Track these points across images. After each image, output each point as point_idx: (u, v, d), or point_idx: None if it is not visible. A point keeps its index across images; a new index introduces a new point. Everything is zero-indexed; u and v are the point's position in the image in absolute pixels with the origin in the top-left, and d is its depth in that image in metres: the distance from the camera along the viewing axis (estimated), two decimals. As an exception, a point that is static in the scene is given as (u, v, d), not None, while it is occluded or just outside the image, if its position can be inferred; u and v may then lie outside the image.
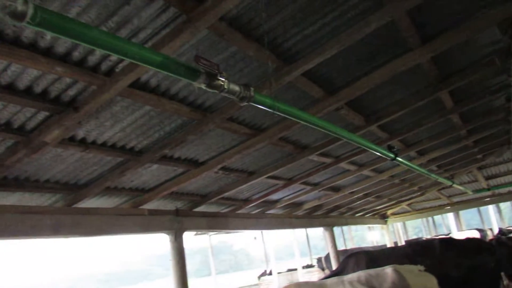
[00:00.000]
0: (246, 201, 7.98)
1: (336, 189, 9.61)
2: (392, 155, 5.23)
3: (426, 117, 6.25)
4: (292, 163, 6.26)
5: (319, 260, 18.47)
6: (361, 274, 4.39)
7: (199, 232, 15.25)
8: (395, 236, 20.43)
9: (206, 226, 7.22)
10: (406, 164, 5.84)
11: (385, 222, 17.43)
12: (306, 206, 10.01)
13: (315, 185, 8.49)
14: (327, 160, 6.92)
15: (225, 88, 2.25)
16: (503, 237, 10.27)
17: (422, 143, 7.45)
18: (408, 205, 16.62)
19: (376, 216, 16.50)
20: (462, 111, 6.45)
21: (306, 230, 23.30)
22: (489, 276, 7.10)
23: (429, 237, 21.20)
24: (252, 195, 7.84)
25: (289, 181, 7.50)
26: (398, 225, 20.23)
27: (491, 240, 10.79)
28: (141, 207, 6.04)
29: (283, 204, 9.01)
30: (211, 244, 18.20)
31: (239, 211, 8.15)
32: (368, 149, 4.86)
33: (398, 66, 4.07)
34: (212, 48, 3.19)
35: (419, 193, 14.50)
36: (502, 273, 8.33)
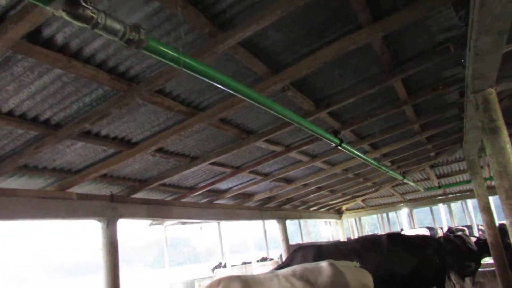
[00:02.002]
0: (192, 189, 7.52)
1: (289, 181, 9.32)
2: (337, 141, 4.93)
3: (380, 108, 6.02)
4: (239, 149, 5.85)
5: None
6: (296, 268, 4.16)
7: (153, 223, 14.67)
8: (350, 231, 20.62)
9: (146, 214, 6.70)
10: (351, 152, 5.59)
11: (340, 217, 17.46)
12: (258, 197, 9.66)
13: (266, 175, 8.14)
14: (277, 148, 6.57)
15: (99, 23, 1.78)
16: (451, 235, 10.39)
17: (375, 136, 7.25)
18: (362, 201, 16.71)
19: (330, 211, 16.47)
20: (416, 104, 6.27)
21: (263, 223, 23.18)
22: (434, 272, 7.07)
23: (380, 233, 21.52)
24: (198, 182, 7.39)
25: (237, 169, 7.10)
26: (353, 220, 20.41)
27: (439, 238, 10.95)
28: (68, 190, 5.46)
29: (232, 194, 8.62)
30: (166, 236, 17.65)
31: (184, 200, 7.68)
32: (310, 131, 4.52)
33: (348, 44, 3.73)
34: (129, 0, 2.71)
35: (373, 189, 14.54)
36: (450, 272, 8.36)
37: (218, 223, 19.63)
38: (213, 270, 19.61)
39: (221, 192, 8.49)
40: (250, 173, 7.53)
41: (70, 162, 5.03)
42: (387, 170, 7.87)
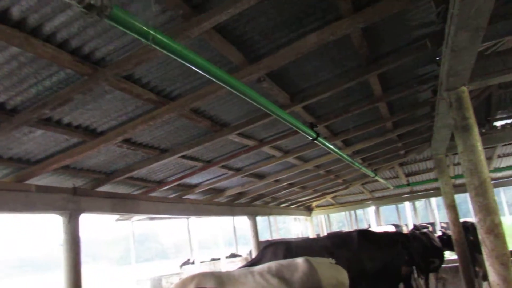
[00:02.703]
0: (161, 183, 7.25)
1: (260, 176, 9.20)
2: (314, 134, 4.83)
3: (354, 103, 5.98)
4: (211, 142, 5.66)
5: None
6: (271, 264, 4.03)
7: (120, 218, 14.26)
8: (318, 228, 20.79)
9: (111, 209, 6.39)
10: (327, 147, 5.51)
11: (310, 214, 17.54)
12: (228, 192, 9.49)
13: (238, 170, 7.98)
14: (250, 143, 6.42)
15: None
16: (417, 231, 10.59)
17: (349, 132, 7.22)
18: (332, 198, 16.84)
19: (301, 207, 16.51)
20: (390, 101, 6.28)
21: (233, 219, 23.01)
22: (403, 268, 7.15)
23: (349, 230, 21.90)
24: (167, 176, 7.14)
25: (208, 163, 6.90)
26: (322, 217, 20.59)
27: (405, 234, 11.15)
28: (27, 182, 5.10)
29: (202, 189, 8.40)
30: (133, 231, 17.23)
31: (152, 194, 7.40)
32: (288, 123, 4.38)
33: (328, 35, 3.62)
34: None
35: (343, 186, 14.66)
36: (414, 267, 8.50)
37: (187, 218, 19.34)
38: (181, 266, 19.33)
39: (191, 187, 8.26)
40: (221, 167, 7.34)
41: (29, 152, 4.69)
42: (360, 166, 7.89)
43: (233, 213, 10.55)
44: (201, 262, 18.59)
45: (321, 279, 3.62)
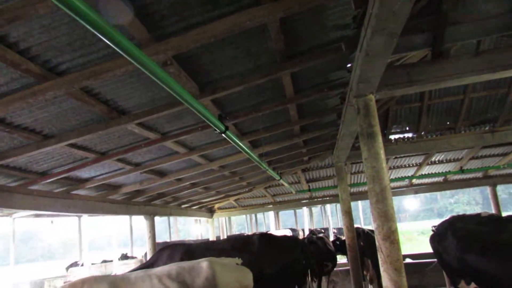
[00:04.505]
0: (44, 175, 6.31)
1: (162, 174, 8.62)
2: (222, 127, 4.51)
3: (266, 102, 5.80)
4: (106, 131, 5.00)
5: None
6: (172, 267, 3.68)
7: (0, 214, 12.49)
8: (219, 231, 20.61)
9: (-24, 202, 5.37)
10: (236, 143, 5.23)
11: (211, 216, 17.24)
12: (125, 189, 8.72)
13: (137, 165, 7.32)
14: (152, 135, 5.86)
15: None
16: (314, 236, 10.90)
17: (257, 133, 7.05)
18: (235, 200, 16.75)
19: (203, 209, 16.13)
20: (299, 105, 6.24)
21: (130, 219, 21.77)
22: (300, 271, 7.22)
23: (250, 233, 22.15)
24: (52, 168, 6.23)
25: (102, 155, 6.17)
26: (223, 220, 20.46)
27: (303, 239, 11.44)
28: None
29: (95, 185, 7.56)
30: (14, 229, 15.27)
31: (33, 187, 6.42)
32: (197, 113, 3.98)
33: (244, 20, 3.32)
34: None
35: (247, 189, 14.62)
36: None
37: (79, 217, 17.78)
38: (67, 269, 17.79)
39: (81, 181, 7.37)
40: (118, 161, 6.65)
41: None
42: (267, 168, 7.79)
43: (129, 212, 9.77)
44: (91, 264, 17.36)
45: (226, 283, 3.33)
